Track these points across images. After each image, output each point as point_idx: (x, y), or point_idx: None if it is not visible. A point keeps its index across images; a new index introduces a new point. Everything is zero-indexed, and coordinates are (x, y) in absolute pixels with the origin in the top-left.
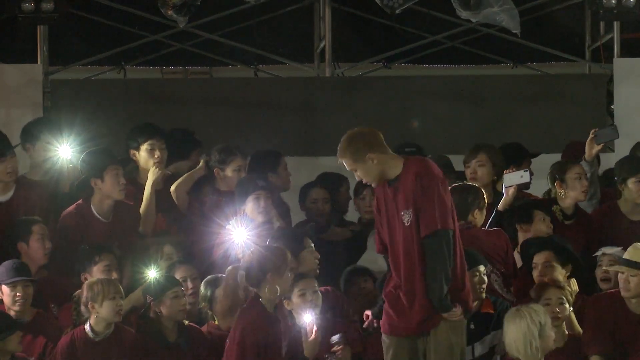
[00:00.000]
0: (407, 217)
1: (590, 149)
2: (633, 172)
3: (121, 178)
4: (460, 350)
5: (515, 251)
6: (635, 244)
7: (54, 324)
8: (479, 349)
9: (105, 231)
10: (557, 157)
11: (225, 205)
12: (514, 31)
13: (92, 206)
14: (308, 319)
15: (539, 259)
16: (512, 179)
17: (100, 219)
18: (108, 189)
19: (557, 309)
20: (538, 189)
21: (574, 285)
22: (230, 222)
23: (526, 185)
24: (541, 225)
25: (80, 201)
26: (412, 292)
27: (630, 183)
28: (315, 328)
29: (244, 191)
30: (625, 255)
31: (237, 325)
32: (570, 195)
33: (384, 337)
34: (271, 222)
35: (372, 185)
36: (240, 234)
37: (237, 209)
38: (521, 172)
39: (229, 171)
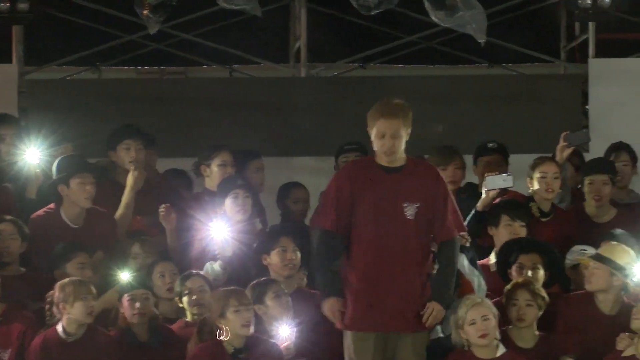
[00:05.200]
0: (411, 210)
1: (561, 152)
2: (586, 173)
3: (88, 186)
4: None
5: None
6: (612, 242)
7: (27, 315)
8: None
9: (73, 237)
10: (531, 157)
11: (210, 204)
12: (480, 40)
13: (61, 211)
14: (285, 332)
15: (526, 259)
16: (495, 182)
17: (70, 224)
18: (73, 196)
19: (523, 312)
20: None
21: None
22: (212, 220)
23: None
24: (507, 230)
25: (51, 205)
26: (407, 287)
27: (585, 185)
28: (289, 342)
29: (224, 190)
30: (599, 250)
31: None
32: (537, 193)
33: (353, 334)
34: (252, 219)
35: (386, 159)
36: (220, 230)
37: (217, 210)
38: (504, 176)
39: (214, 166)
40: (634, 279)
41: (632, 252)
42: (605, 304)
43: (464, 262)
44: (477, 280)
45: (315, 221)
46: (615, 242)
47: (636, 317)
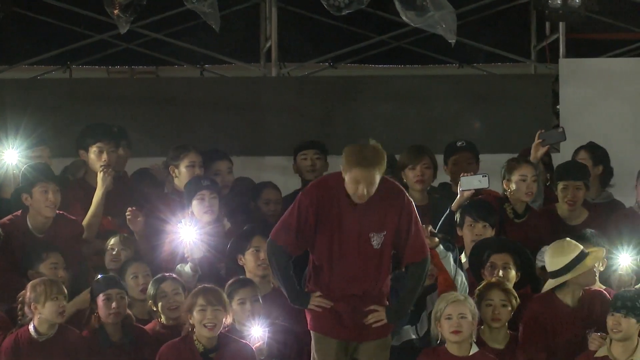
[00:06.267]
0: (377, 240)
1: (536, 151)
2: (560, 177)
3: (50, 195)
4: None
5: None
6: (553, 247)
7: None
8: (422, 326)
9: (37, 247)
10: (502, 157)
11: (179, 205)
12: (450, 41)
13: (27, 219)
14: (257, 332)
15: (497, 259)
16: (470, 182)
17: (34, 233)
18: (36, 205)
19: (498, 312)
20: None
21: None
22: (181, 222)
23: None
24: (469, 231)
25: (18, 212)
26: (366, 305)
27: (558, 189)
28: (261, 342)
29: (190, 192)
30: (552, 268)
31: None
32: (515, 195)
33: (320, 337)
34: (220, 221)
35: (360, 201)
36: (189, 232)
37: (185, 211)
38: (479, 177)
39: (182, 167)
40: (620, 268)
41: (575, 242)
42: (568, 297)
43: (450, 260)
44: (460, 280)
45: (274, 236)
46: (554, 245)
47: (616, 330)
